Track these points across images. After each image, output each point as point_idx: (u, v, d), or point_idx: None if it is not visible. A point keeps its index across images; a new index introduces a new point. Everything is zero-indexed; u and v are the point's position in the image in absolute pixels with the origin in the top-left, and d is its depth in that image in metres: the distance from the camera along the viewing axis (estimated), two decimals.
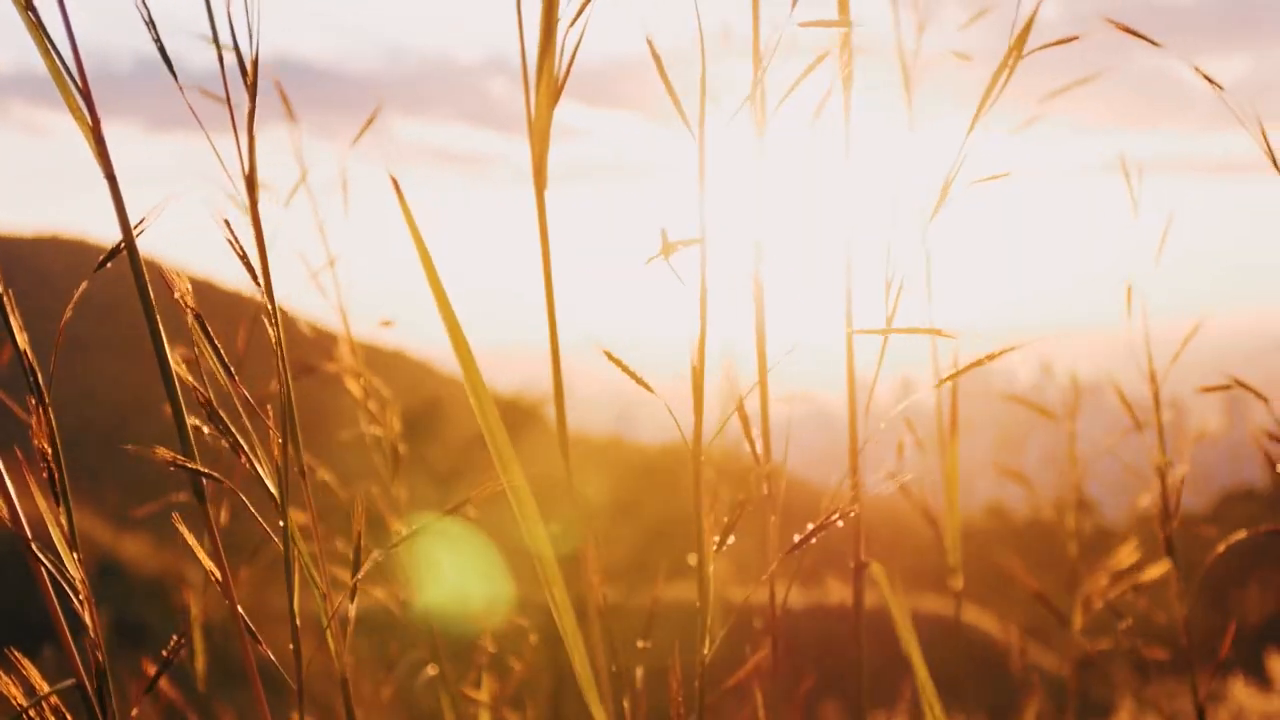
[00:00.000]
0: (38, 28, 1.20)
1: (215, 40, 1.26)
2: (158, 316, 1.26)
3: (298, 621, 1.31)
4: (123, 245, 1.24)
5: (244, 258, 1.26)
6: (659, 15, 1.42)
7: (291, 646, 1.34)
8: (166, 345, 1.27)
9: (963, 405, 2.28)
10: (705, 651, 1.48)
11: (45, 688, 1.26)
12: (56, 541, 1.24)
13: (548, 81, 1.36)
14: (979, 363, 1.50)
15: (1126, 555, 2.44)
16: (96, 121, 1.22)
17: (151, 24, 1.22)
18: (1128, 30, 1.66)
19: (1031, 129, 2.20)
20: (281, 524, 1.30)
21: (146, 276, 1.25)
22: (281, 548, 1.32)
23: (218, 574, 1.28)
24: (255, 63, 1.25)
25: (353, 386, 2.11)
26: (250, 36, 1.24)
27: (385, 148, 2.19)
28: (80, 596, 1.25)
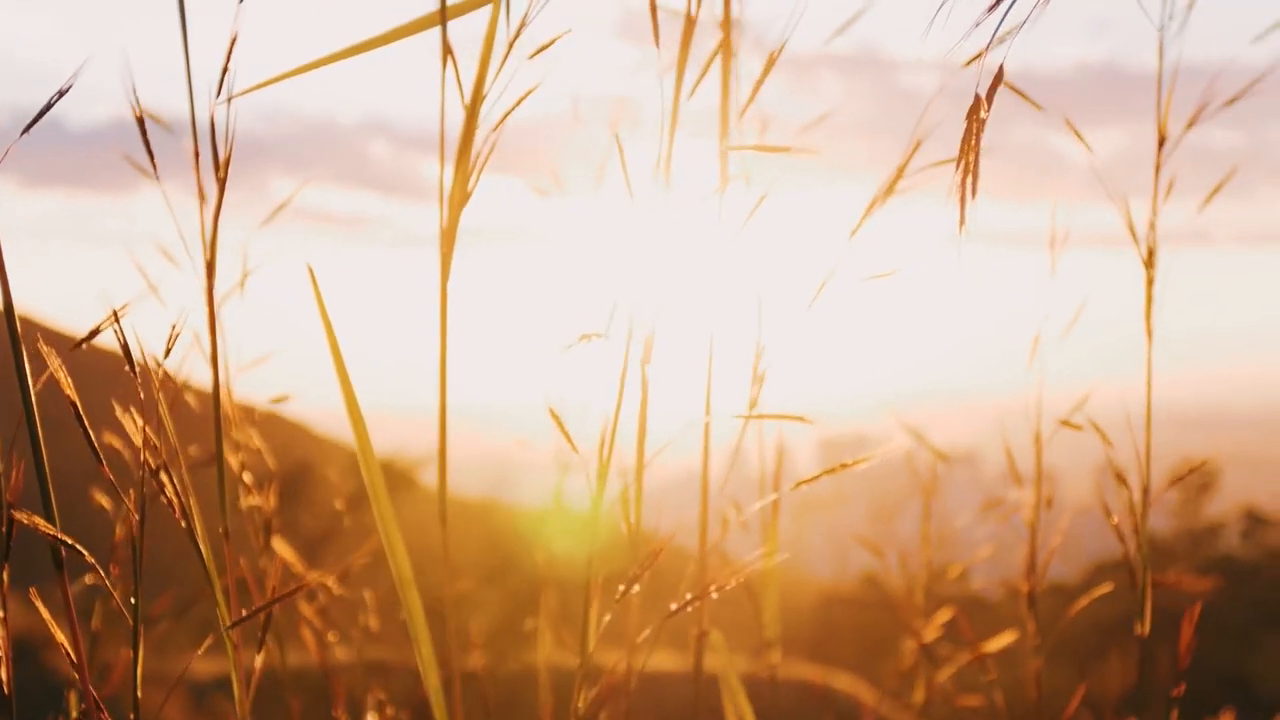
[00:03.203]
0: None
1: (195, 134, 1.38)
2: (29, 376, 1.25)
3: (139, 693, 1.28)
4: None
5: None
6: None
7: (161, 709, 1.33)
8: (36, 404, 1.26)
9: (836, 476, 2.28)
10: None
11: None
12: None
13: (461, 188, 1.40)
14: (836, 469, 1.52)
15: (936, 624, 2.44)
16: None
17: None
18: (1017, 91, 1.65)
19: (906, 199, 2.23)
20: (133, 600, 1.29)
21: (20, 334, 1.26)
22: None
23: (69, 647, 1.26)
24: (229, 160, 1.37)
25: (231, 460, 2.05)
26: (228, 134, 1.37)
27: (265, 207, 2.17)
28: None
